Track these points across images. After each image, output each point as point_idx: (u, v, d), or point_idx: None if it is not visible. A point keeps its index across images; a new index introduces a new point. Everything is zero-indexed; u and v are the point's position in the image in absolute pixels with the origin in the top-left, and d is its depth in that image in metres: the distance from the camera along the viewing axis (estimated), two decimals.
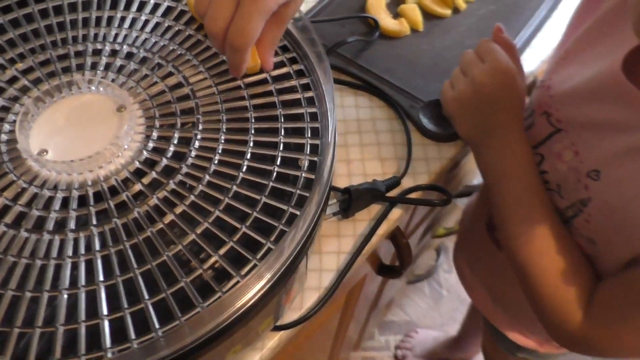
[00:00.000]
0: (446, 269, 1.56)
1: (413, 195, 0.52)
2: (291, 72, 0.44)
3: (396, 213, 0.51)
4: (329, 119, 0.41)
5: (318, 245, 0.49)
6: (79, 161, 0.37)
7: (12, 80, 0.43)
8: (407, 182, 0.53)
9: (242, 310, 0.32)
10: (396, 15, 0.64)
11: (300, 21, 0.46)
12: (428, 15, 0.64)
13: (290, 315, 0.46)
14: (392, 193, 0.51)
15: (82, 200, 0.36)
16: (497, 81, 0.50)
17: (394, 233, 0.62)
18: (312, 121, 0.41)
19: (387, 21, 0.62)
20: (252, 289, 0.32)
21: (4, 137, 0.39)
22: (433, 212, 0.83)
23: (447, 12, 0.64)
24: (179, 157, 0.38)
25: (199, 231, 0.35)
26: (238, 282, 0.33)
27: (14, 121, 0.39)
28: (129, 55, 0.44)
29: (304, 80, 0.44)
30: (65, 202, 0.36)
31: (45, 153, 0.38)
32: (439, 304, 1.49)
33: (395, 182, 0.51)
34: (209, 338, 0.31)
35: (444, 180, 0.66)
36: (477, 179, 1.01)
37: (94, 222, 0.35)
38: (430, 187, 0.52)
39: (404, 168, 0.53)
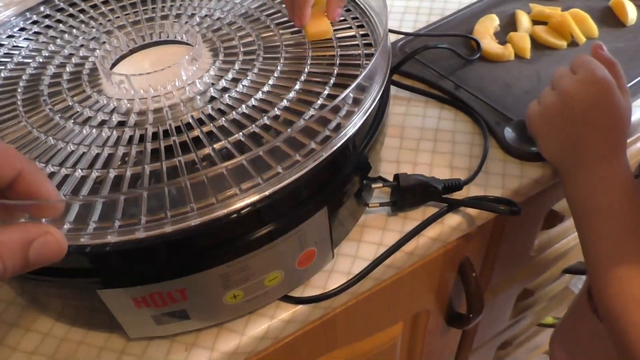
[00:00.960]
0: None
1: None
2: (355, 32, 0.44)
3: (454, 219, 0.46)
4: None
5: (359, 232, 0.45)
6: (148, 74, 0.39)
7: (108, 32, 0.49)
8: (474, 191, 0.47)
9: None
10: (503, 42, 0.61)
11: None
12: (540, 45, 0.60)
13: (308, 291, 0.42)
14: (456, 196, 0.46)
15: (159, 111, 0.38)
16: (591, 93, 0.43)
17: (461, 264, 0.55)
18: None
19: (490, 45, 0.60)
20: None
21: (89, 65, 0.44)
22: (527, 277, 0.72)
23: (563, 43, 0.60)
24: (240, 76, 0.40)
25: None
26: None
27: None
28: (207, 16, 0.49)
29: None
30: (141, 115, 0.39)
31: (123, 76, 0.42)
32: None
33: (456, 184, 0.46)
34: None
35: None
36: None
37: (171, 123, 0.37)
38: (497, 199, 0.46)
39: (474, 172, 0.48)
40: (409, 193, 0.45)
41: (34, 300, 0.40)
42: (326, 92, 0.38)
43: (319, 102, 0.38)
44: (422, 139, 0.53)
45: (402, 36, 0.64)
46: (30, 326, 0.41)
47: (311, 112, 0.37)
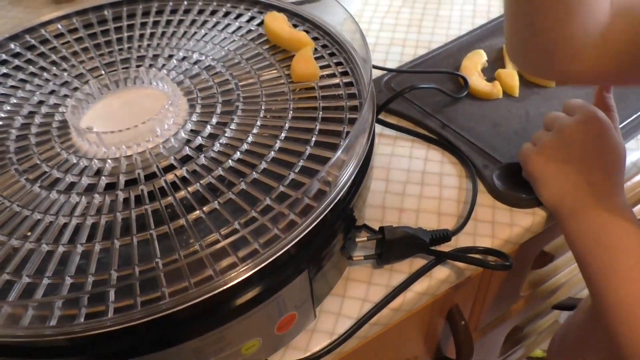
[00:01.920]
0: None
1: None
2: (336, 73, 0.43)
3: (442, 271, 0.44)
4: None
5: (343, 287, 0.44)
6: (120, 132, 0.37)
7: (80, 76, 0.47)
8: (463, 241, 0.46)
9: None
10: (491, 79, 0.60)
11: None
12: (528, 83, 0.59)
13: (289, 354, 0.40)
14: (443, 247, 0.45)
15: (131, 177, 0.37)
16: (590, 133, 0.42)
17: (450, 311, 0.54)
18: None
19: (478, 82, 0.58)
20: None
21: (59, 117, 0.42)
22: (517, 315, 0.71)
23: (552, 82, 0.59)
24: (216, 134, 0.38)
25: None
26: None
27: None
28: (185, 59, 0.47)
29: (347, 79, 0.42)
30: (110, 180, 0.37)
31: (91, 129, 0.40)
32: None
33: (444, 235, 0.44)
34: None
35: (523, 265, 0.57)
36: (585, 291, 0.86)
37: (143, 182, 0.35)
38: (488, 250, 0.45)
39: (462, 223, 0.46)
40: (395, 246, 0.43)
41: None
42: (308, 151, 0.37)
43: (300, 163, 0.36)
44: (408, 182, 0.52)
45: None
46: None
47: (291, 175, 0.35)
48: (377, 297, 0.43)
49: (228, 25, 0.51)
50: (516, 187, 0.49)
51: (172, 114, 0.39)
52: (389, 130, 0.56)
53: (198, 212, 0.32)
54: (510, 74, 0.59)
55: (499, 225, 0.47)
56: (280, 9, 0.52)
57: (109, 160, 0.37)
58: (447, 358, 0.60)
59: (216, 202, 0.33)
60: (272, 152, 0.37)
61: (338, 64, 0.46)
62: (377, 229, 0.45)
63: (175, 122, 0.39)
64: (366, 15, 0.74)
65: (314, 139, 0.38)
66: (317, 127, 0.39)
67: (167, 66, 0.46)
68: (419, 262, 0.45)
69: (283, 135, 0.38)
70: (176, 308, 0.27)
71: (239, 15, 0.52)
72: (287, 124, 0.39)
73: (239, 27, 0.51)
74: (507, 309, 0.66)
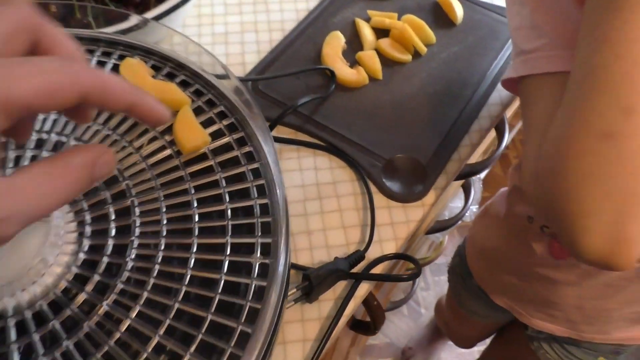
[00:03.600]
0: (423, 287, 1.54)
1: (381, 266, 0.48)
2: (232, 142, 0.40)
3: (363, 288, 0.48)
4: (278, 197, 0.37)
5: (281, 334, 0.45)
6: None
7: None
8: (373, 251, 0.50)
9: None
10: (354, 63, 0.60)
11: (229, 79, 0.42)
12: (388, 61, 0.61)
13: None
14: (358, 266, 0.48)
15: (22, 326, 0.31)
16: None
17: (366, 299, 0.59)
18: (260, 197, 0.38)
19: (343, 71, 0.59)
20: None
21: None
22: None
23: (408, 57, 0.61)
24: (120, 252, 0.34)
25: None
26: None
27: None
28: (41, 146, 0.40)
29: (247, 149, 0.40)
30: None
31: None
32: (418, 323, 1.47)
33: (359, 257, 0.47)
34: None
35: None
36: (447, 213, 0.99)
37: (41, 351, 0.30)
38: (398, 256, 0.49)
39: (368, 238, 0.50)
40: (321, 285, 0.45)
41: None
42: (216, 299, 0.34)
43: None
44: (306, 199, 0.52)
45: (250, 68, 0.59)
46: None
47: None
48: (314, 333, 0.45)
49: None
50: (405, 183, 0.53)
51: (48, 263, 0.33)
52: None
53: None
54: (370, 56, 0.60)
55: (398, 226, 0.51)
56: (118, 44, 0.45)
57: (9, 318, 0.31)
58: (362, 322, 0.66)
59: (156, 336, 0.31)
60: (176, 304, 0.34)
61: (220, 114, 0.42)
62: (292, 260, 0.46)
63: (52, 272, 0.33)
64: (204, 3, 0.67)
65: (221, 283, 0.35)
66: (228, 208, 0.37)
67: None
68: (340, 284, 0.48)
69: (188, 277, 0.35)
70: None
71: None
72: (196, 220, 0.36)
73: None
74: None
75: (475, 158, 0.74)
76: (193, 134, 0.40)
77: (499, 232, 0.72)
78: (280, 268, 0.35)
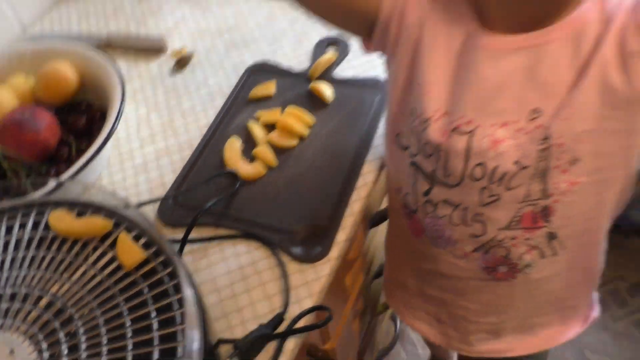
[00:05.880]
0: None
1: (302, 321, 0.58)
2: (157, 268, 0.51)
3: (291, 343, 0.57)
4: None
5: None
6: None
7: None
8: (294, 310, 0.59)
9: None
10: (252, 158, 0.72)
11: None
12: (279, 149, 0.73)
13: None
14: (282, 326, 0.57)
15: None
16: None
17: (307, 350, 0.67)
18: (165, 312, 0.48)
19: (244, 169, 0.70)
20: None
21: None
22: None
23: (295, 142, 0.73)
24: None
25: None
26: None
27: None
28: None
29: (160, 259, 0.50)
30: None
31: None
32: None
33: (279, 318, 0.57)
34: None
35: None
36: None
37: None
38: (311, 310, 0.58)
39: (285, 301, 0.59)
40: (251, 350, 0.54)
41: None
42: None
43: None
44: (233, 283, 0.63)
45: (169, 186, 0.71)
46: None
47: None
48: None
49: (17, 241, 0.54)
50: (309, 246, 0.63)
51: None
52: (197, 244, 0.66)
53: None
54: (263, 150, 0.72)
55: (312, 283, 0.61)
56: (47, 203, 0.56)
57: None
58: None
59: None
60: None
61: (136, 237, 0.53)
62: (229, 337, 0.55)
63: None
64: (122, 135, 0.79)
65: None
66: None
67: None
68: (271, 345, 0.57)
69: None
70: None
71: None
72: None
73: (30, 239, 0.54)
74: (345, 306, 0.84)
75: (385, 204, 0.85)
76: (131, 253, 0.50)
77: (393, 241, 0.79)
78: (195, 347, 0.44)
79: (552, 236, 0.57)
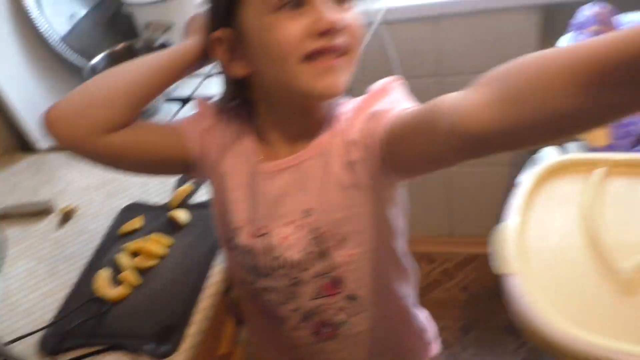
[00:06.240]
0: None
1: None
2: None
3: None
4: None
5: None
6: None
7: None
8: None
9: None
10: (119, 281, 0.86)
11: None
12: (144, 269, 0.87)
13: None
14: None
15: None
16: None
17: None
18: None
19: (111, 293, 0.83)
20: None
21: None
22: None
23: (155, 262, 0.88)
24: None
25: None
26: None
27: None
28: None
29: None
30: None
31: None
32: None
33: None
34: None
35: None
36: None
37: None
38: None
39: None
40: None
41: None
42: None
43: None
44: None
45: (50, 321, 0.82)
46: None
47: None
48: None
49: None
50: (161, 343, 0.75)
51: None
52: None
53: None
54: (129, 275, 0.86)
55: None
56: None
57: None
58: None
59: None
60: None
61: None
62: None
63: None
64: (14, 287, 0.92)
65: None
66: None
67: None
68: None
69: None
70: None
71: None
72: None
73: None
74: None
75: None
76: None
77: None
78: None
79: (352, 297, 0.71)
